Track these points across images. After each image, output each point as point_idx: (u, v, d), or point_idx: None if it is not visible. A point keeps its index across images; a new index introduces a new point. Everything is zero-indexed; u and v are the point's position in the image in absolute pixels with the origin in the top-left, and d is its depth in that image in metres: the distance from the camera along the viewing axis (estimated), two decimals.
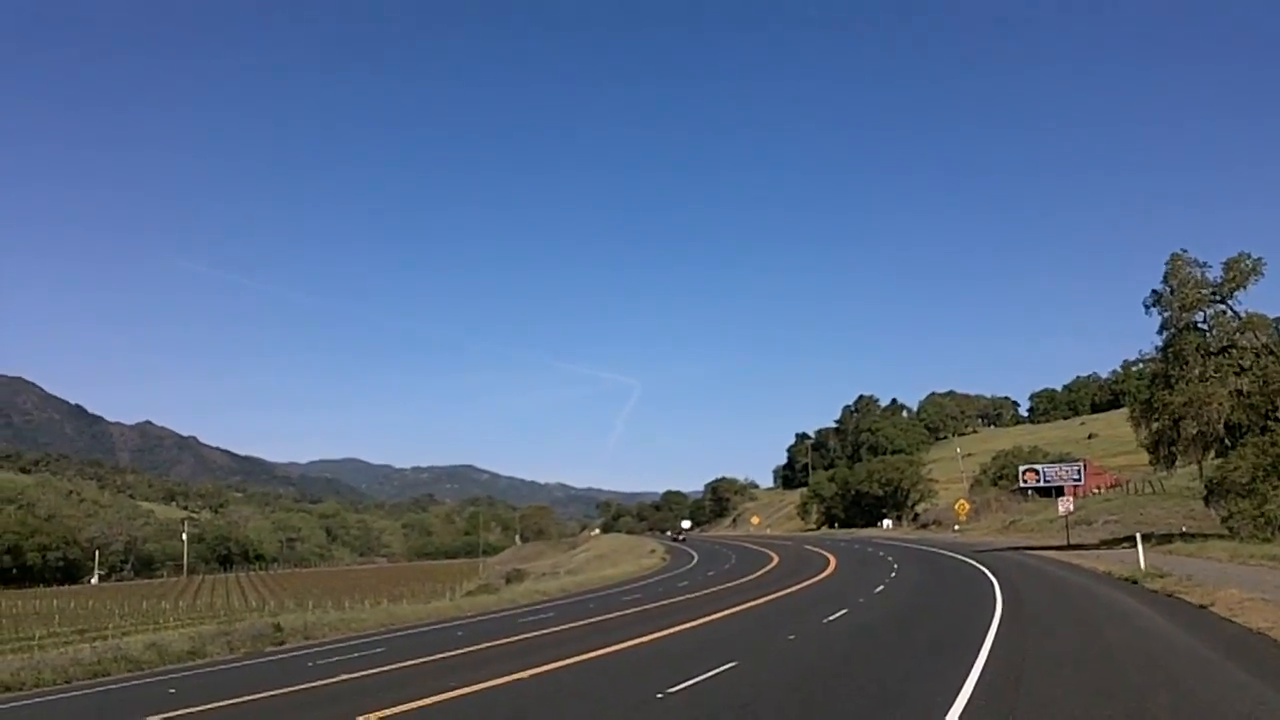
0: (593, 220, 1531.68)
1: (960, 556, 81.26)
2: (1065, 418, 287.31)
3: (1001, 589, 46.10)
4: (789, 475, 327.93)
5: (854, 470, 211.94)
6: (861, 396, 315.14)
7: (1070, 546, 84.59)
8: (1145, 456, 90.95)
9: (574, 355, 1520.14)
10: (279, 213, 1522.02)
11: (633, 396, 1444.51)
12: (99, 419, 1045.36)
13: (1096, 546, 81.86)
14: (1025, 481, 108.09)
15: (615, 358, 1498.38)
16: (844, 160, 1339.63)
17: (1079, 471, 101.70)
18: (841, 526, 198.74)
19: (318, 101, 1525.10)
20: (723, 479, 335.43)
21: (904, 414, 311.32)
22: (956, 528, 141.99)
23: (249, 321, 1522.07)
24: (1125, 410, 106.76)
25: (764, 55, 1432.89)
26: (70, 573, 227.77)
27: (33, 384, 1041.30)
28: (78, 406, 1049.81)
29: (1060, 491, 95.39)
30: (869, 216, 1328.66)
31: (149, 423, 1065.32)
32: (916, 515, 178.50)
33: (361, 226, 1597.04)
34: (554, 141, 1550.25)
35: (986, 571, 61.03)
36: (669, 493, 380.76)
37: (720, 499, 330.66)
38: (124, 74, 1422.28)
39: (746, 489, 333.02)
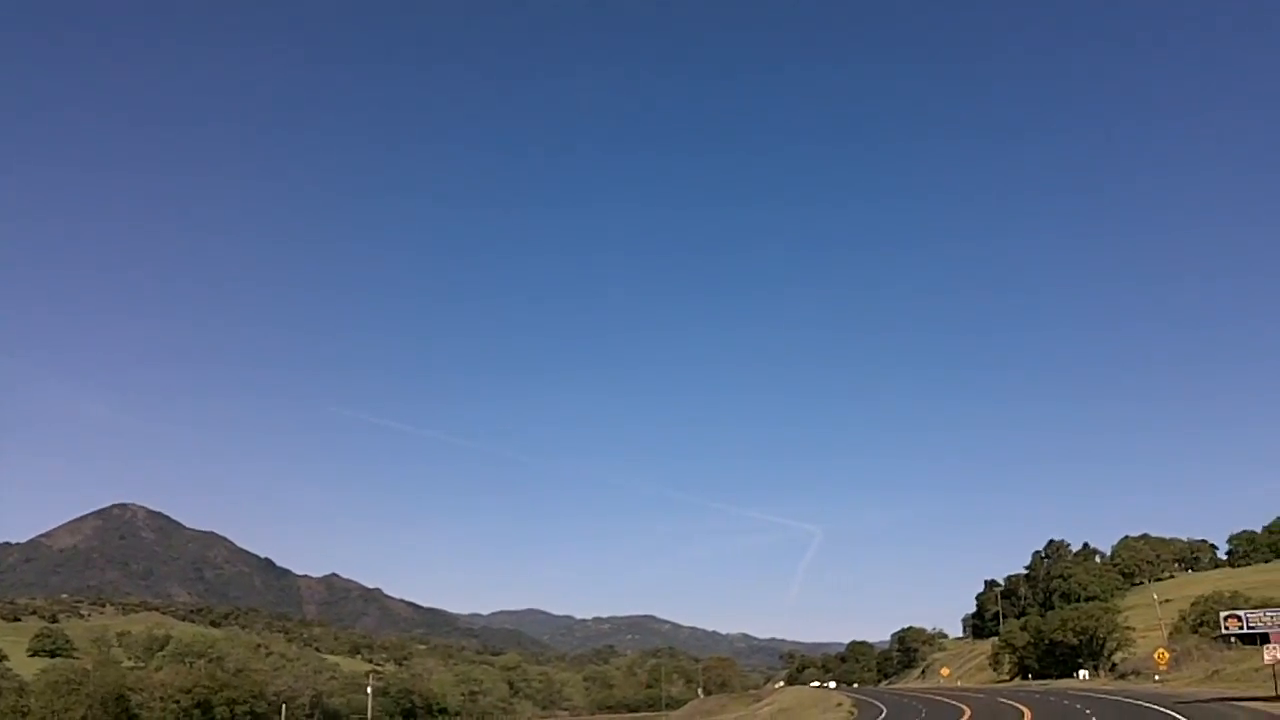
0: (771, 372, 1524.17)
1: (1164, 709, 78.16)
2: (1266, 560, 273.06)
3: None
4: (978, 624, 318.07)
5: (1047, 619, 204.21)
6: (1052, 541, 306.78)
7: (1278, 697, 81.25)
8: None
9: (753, 501, 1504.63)
10: (447, 359, 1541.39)
11: (814, 544, 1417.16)
12: (287, 572, 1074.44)
13: None
14: (1227, 628, 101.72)
15: (796, 504, 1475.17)
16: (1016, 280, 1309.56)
17: None
18: (1035, 677, 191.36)
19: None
20: (910, 629, 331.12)
21: (1097, 559, 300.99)
22: (1157, 678, 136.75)
23: (425, 473, 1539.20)
24: None
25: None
26: None
27: (225, 538, 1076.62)
28: (267, 560, 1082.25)
29: (1266, 639, 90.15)
30: (1055, 348, 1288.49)
31: (335, 575, 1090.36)
32: (1114, 665, 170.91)
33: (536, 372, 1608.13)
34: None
35: None
36: (854, 643, 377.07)
37: (908, 649, 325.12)
38: None
39: (935, 639, 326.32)
